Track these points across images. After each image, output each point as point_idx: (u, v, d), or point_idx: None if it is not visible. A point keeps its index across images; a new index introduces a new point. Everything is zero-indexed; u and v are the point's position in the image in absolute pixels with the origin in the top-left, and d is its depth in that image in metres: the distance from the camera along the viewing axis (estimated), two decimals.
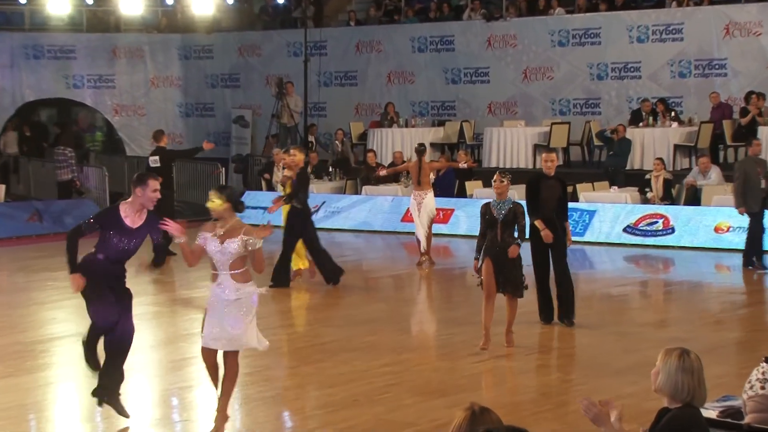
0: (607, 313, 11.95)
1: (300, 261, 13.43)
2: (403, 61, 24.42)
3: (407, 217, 18.81)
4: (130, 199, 7.56)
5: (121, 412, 7.54)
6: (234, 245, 7.01)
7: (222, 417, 7.17)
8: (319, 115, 25.09)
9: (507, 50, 23.15)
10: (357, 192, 20.61)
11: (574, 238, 11.47)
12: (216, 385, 7.28)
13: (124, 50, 26.66)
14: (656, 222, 16.95)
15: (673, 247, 16.53)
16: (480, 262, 9.45)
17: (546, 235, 10.39)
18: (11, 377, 8.95)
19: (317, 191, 20.50)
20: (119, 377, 7.51)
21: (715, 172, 17.74)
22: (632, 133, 19.66)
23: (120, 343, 7.40)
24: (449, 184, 19.60)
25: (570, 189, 17.26)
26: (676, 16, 21.29)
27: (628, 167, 19.55)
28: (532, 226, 10.42)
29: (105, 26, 26.96)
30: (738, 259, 14.79)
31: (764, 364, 5.46)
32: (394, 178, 20.28)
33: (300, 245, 13.31)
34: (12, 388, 8.59)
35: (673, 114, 20.11)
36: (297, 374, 9.12)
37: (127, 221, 7.41)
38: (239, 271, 7.04)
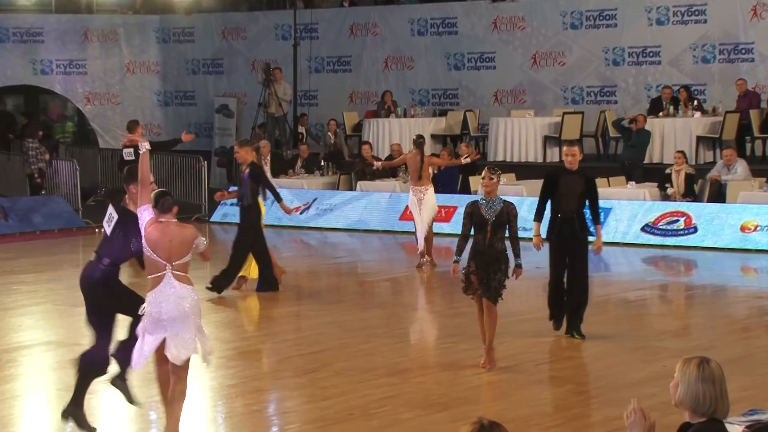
0: (624, 320, 11.98)
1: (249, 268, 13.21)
2: (401, 45, 24.44)
3: (406, 215, 18.83)
4: (127, 198, 7.65)
5: (85, 427, 7.62)
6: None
7: None
8: (309, 104, 25.10)
9: (514, 33, 23.17)
10: (351, 188, 20.63)
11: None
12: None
13: (97, 33, 26.66)
14: (677, 220, 16.99)
15: (695, 247, 16.56)
16: (462, 266, 9.24)
17: (536, 243, 10.42)
18: None
19: (308, 187, 20.53)
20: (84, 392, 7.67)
21: (741, 166, 17.76)
22: (651, 124, 19.69)
23: (102, 365, 7.55)
24: (452, 180, 19.62)
25: None
26: None
27: (646, 161, 19.59)
28: (552, 221, 10.30)
29: (76, 7, 26.97)
30: (766, 261, 14.83)
31: None
32: (391, 172, 20.30)
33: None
34: None
35: (695, 103, 20.14)
36: (287, 386, 9.14)
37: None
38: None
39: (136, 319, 7.33)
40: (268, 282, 13.11)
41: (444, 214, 18.33)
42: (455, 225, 18.23)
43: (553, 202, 10.36)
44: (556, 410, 8.43)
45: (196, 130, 26.85)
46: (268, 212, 20.28)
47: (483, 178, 9.29)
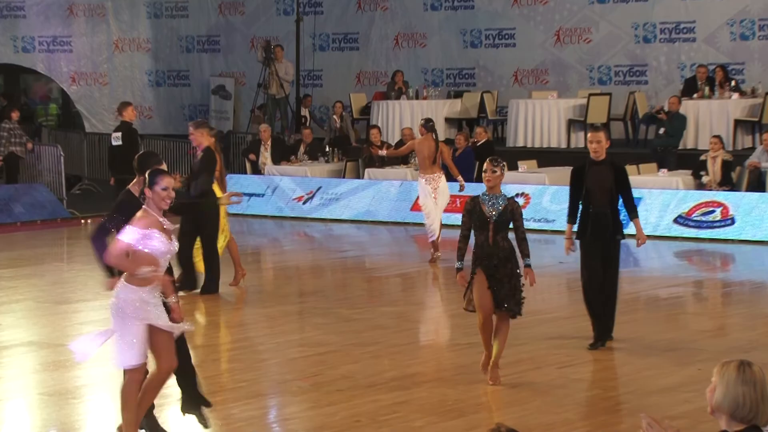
0: (655, 320, 11.95)
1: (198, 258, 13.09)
2: (413, 21, 24.40)
3: (418, 206, 18.82)
4: (133, 183, 7.72)
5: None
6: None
7: None
8: (313, 85, 25.10)
9: (536, 8, 23.12)
10: (359, 176, 20.63)
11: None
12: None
13: (83, 8, 26.68)
14: (713, 211, 16.95)
15: (733, 240, 16.53)
16: (469, 273, 8.78)
17: (566, 247, 10.14)
18: None
19: (311, 174, 20.54)
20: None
21: None
22: (685, 107, 19.64)
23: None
24: (468, 167, 19.58)
25: None
26: None
27: (679, 147, 19.54)
28: (583, 219, 9.98)
29: None
30: None
31: None
32: (402, 159, 20.29)
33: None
34: None
35: (733, 83, 20.07)
36: (288, 390, 9.14)
37: None
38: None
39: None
40: (189, 280, 12.73)
41: (459, 204, 18.31)
42: None
43: (583, 198, 10.03)
44: (580, 417, 8.41)
45: (191, 113, 26.93)
46: (268, 202, 20.35)
47: (485, 171, 8.91)
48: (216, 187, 12.74)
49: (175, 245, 7.15)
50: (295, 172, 20.67)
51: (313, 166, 20.94)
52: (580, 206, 10.07)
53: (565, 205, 10.43)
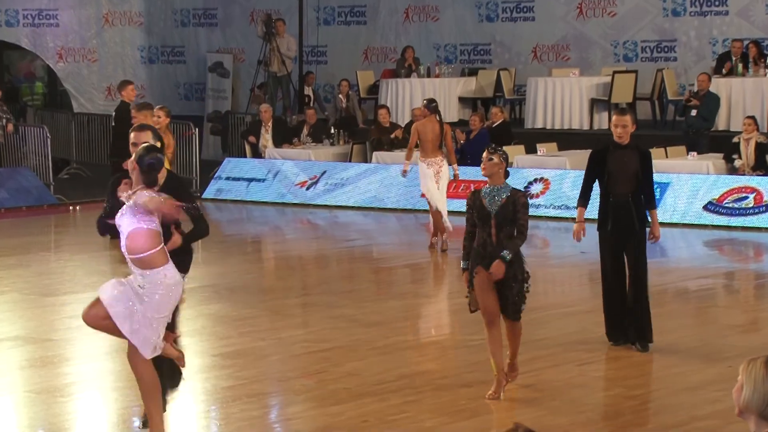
0: (683, 313, 11.99)
1: None
2: None
3: None
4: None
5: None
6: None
7: None
8: (317, 62, 25.11)
9: None
10: (366, 159, 20.67)
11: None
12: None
13: None
14: (746, 197, 16.97)
15: (767, 229, 16.55)
16: (471, 273, 8.56)
17: (576, 231, 9.98)
18: None
19: (316, 158, 20.58)
20: None
21: None
22: (717, 85, 19.63)
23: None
24: (483, 149, 19.59)
25: None
26: None
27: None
28: (603, 208, 9.82)
29: None
30: None
31: None
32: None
33: None
34: None
35: None
36: (291, 388, 9.20)
37: None
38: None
39: None
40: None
41: (474, 189, 18.34)
42: None
43: (603, 184, 9.85)
44: (603, 417, 8.46)
45: (186, 92, 26.98)
46: (269, 187, 20.40)
47: (482, 160, 8.72)
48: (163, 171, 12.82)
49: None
50: (298, 156, 20.71)
51: (317, 149, 20.97)
52: (600, 194, 9.91)
53: None
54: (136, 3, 27.17)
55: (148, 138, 7.85)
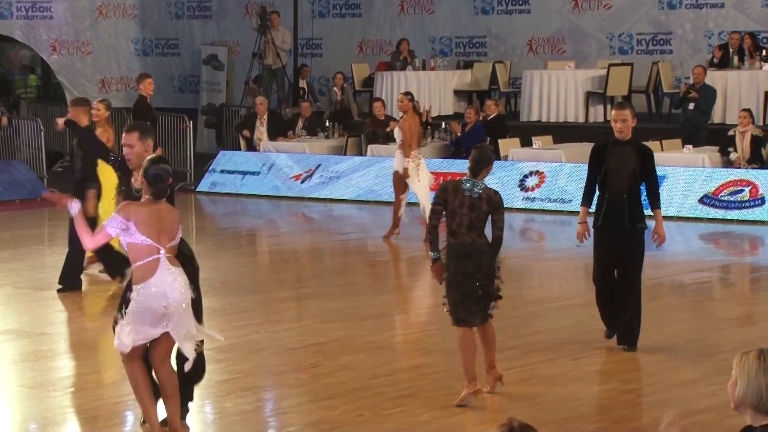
0: (679, 307, 11.99)
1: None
2: None
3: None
4: None
5: None
6: None
7: None
8: (312, 55, 25.08)
9: None
10: (361, 152, 20.65)
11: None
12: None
13: None
14: (741, 190, 16.97)
15: (762, 222, 16.55)
16: (443, 267, 8.34)
17: (579, 232, 9.79)
18: None
19: (310, 151, 20.56)
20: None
21: None
22: (712, 78, 19.62)
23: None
24: (479, 142, 19.58)
25: None
26: None
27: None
28: (599, 205, 9.65)
29: None
30: None
31: None
32: None
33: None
34: None
35: (765, 53, 20.05)
36: (286, 382, 9.19)
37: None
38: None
39: None
40: (71, 278, 12.42)
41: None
42: None
43: (600, 180, 9.67)
44: (598, 412, 8.46)
45: (180, 84, 26.93)
46: (263, 180, 20.38)
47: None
48: (105, 166, 12.80)
49: None
50: (293, 149, 20.69)
51: (311, 142, 20.95)
52: (598, 192, 9.73)
53: (583, 184, 10.19)
54: None
55: (133, 140, 7.84)
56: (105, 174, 12.43)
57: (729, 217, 16.78)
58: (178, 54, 27.12)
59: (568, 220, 16.78)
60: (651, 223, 9.83)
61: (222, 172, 20.68)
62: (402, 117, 15.60)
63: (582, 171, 12.22)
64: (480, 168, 8.39)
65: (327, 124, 21.46)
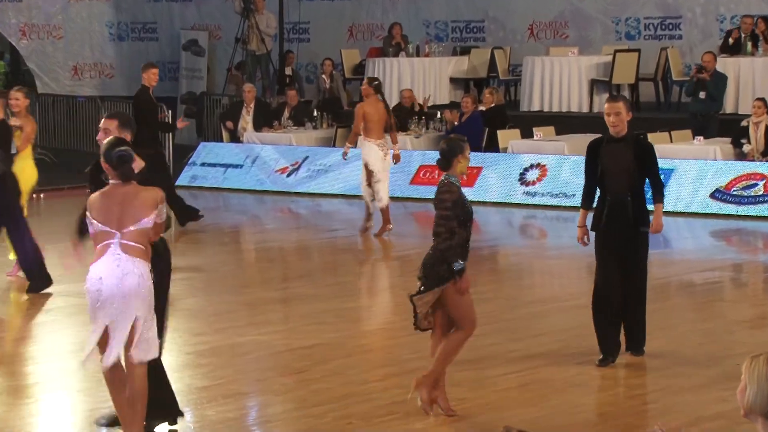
0: (688, 308, 12.02)
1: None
2: None
3: (418, 178, 18.88)
4: None
5: None
6: None
7: None
8: (299, 40, 25.08)
9: None
10: None
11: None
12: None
13: None
14: (755, 185, 17.01)
15: None
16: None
17: (579, 236, 9.62)
18: None
19: (297, 143, 20.56)
20: None
21: None
22: (724, 65, 19.65)
23: None
24: (476, 133, 19.62)
25: None
26: None
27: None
28: (599, 207, 9.48)
29: None
30: None
31: None
32: (400, 125, 20.32)
33: None
34: None
35: None
36: (271, 388, 9.21)
37: None
38: None
39: None
40: (35, 278, 12.32)
41: (466, 177, 18.33)
42: (480, 190, 18.29)
43: (598, 180, 9.49)
44: (602, 419, 8.49)
45: (159, 71, 26.86)
46: (247, 174, 20.38)
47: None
48: (25, 161, 12.80)
49: None
50: (278, 140, 20.69)
51: (298, 132, 20.95)
52: (599, 194, 9.55)
53: None
54: None
55: (111, 126, 7.84)
56: (25, 171, 12.58)
57: (741, 213, 16.81)
58: (156, 39, 27.10)
59: (570, 216, 16.80)
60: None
61: (203, 165, 20.68)
62: (360, 102, 15.83)
63: None
64: (451, 158, 8.30)
65: (315, 113, 21.46)
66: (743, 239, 16.21)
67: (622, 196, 9.39)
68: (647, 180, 9.55)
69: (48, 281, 12.25)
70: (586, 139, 10.87)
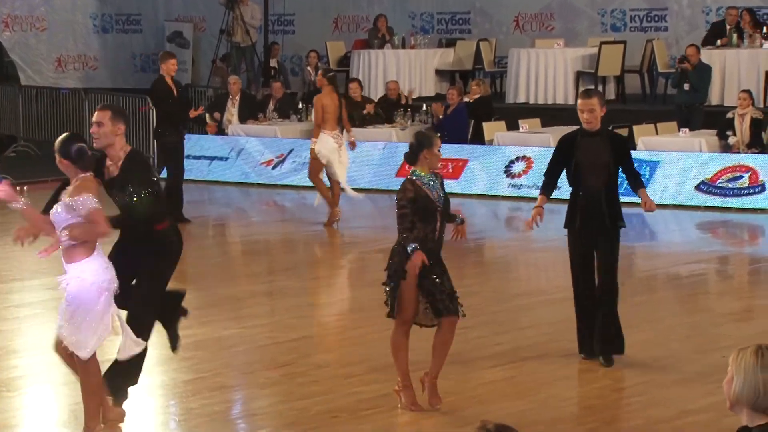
0: (674, 300, 12.05)
1: None
2: None
3: (404, 171, 18.85)
4: None
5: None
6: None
7: None
8: (284, 32, 25.05)
9: None
10: None
11: (627, 200, 10.40)
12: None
13: None
14: (740, 177, 17.05)
15: (763, 210, 16.63)
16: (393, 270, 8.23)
17: (533, 215, 9.32)
18: None
19: (282, 135, 20.54)
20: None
21: None
22: (709, 56, 19.68)
23: None
24: (461, 125, 19.65)
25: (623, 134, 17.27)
26: None
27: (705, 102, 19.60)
28: (572, 203, 9.35)
29: None
30: None
31: None
32: (386, 117, 20.33)
33: None
34: None
35: (765, 30, 20.13)
36: (256, 382, 9.21)
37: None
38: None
39: None
40: None
41: (452, 169, 18.37)
42: (466, 183, 18.31)
43: (570, 176, 9.39)
44: (588, 412, 8.50)
45: (143, 63, 26.85)
46: (232, 166, 20.35)
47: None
48: None
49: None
50: (264, 132, 20.66)
51: (283, 125, 20.92)
52: (570, 188, 9.43)
53: None
54: None
55: (104, 118, 7.87)
56: None
57: (727, 205, 16.85)
58: (140, 30, 27.03)
59: (557, 208, 16.75)
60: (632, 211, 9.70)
61: (188, 157, 20.56)
62: (317, 95, 15.88)
63: None
64: (418, 153, 8.23)
65: (300, 106, 21.44)
66: (729, 231, 16.24)
67: (596, 192, 9.22)
68: (622, 174, 9.35)
69: None
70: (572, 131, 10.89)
